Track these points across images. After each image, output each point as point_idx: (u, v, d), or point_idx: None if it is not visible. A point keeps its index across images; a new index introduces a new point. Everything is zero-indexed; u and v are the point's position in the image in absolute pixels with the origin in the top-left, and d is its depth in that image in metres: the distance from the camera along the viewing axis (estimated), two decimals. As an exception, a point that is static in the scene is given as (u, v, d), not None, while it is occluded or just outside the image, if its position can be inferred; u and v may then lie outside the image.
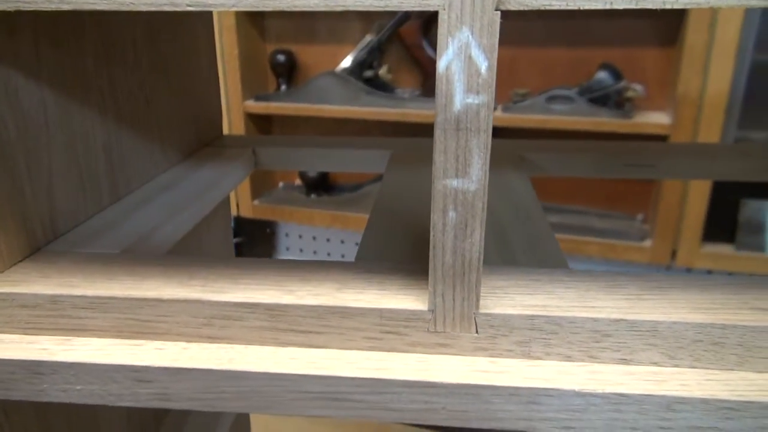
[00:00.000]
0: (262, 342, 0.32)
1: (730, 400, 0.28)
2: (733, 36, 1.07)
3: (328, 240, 1.65)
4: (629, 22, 1.23)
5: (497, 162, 0.56)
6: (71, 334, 0.33)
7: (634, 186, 1.35)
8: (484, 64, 0.26)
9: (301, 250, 1.69)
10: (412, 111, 1.32)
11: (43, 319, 0.33)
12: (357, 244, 1.50)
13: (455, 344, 0.31)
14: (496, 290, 0.32)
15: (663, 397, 0.28)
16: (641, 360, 0.30)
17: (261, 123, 1.51)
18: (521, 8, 0.25)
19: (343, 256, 1.65)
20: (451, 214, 0.28)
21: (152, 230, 0.43)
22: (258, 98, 1.43)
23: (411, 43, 1.32)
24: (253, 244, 1.68)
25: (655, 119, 1.21)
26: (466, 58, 0.26)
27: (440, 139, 0.27)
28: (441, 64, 0.26)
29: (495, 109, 1.30)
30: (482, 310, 0.30)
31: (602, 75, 1.22)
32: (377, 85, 1.36)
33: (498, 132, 1.36)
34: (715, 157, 0.61)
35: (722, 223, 1.23)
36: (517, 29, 1.30)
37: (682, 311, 0.30)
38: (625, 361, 0.30)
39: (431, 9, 0.25)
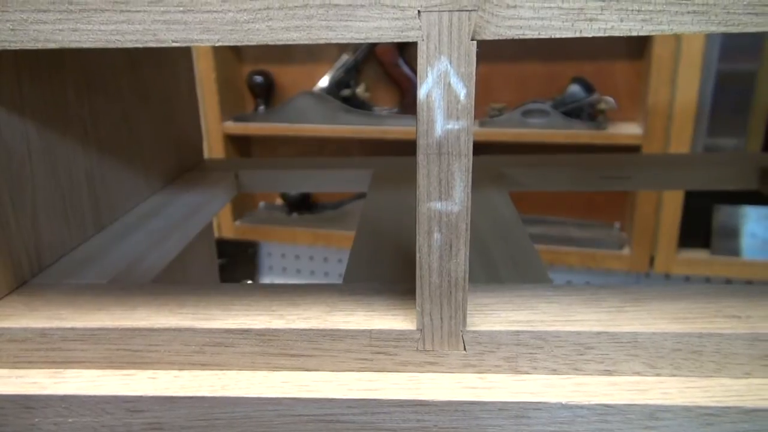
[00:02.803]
0: (254, 367, 0.32)
1: (710, 406, 0.29)
2: (699, 47, 1.10)
3: (311, 258, 1.65)
4: (599, 36, 1.26)
5: (477, 178, 0.57)
6: (62, 367, 0.33)
7: (610, 195, 1.38)
8: (462, 91, 0.27)
9: (284, 269, 1.69)
10: (391, 128, 1.33)
11: (33, 353, 0.33)
12: (340, 261, 1.49)
13: (444, 362, 0.32)
14: (482, 307, 0.33)
15: (646, 406, 0.29)
16: (624, 371, 0.31)
17: (240, 144, 1.51)
18: (496, 38, 0.26)
19: (326, 273, 1.65)
20: (436, 235, 0.29)
21: (138, 259, 0.43)
22: (237, 119, 1.43)
23: (387, 61, 1.34)
24: (235, 265, 1.67)
25: (628, 130, 1.24)
26: (445, 86, 0.27)
27: (423, 164, 0.28)
28: (421, 92, 0.27)
29: (472, 124, 1.32)
30: (469, 328, 0.31)
31: (574, 88, 1.25)
32: (355, 104, 1.38)
33: (476, 147, 1.37)
34: (688, 166, 0.63)
35: (697, 229, 1.26)
36: (491, 45, 1.32)
37: (661, 322, 0.31)
38: (608, 372, 0.31)
39: (410, 40, 0.26)
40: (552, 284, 0.36)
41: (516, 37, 0.26)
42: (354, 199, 1.50)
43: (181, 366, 0.33)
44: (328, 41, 0.27)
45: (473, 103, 0.27)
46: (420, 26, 0.26)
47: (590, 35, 0.26)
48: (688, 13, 0.25)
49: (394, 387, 0.31)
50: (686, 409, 0.29)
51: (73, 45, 0.27)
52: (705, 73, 1.13)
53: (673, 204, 1.22)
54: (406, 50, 1.34)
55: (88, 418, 0.31)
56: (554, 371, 0.31)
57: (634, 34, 0.26)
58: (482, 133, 1.29)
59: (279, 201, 1.56)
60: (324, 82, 1.38)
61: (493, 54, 1.33)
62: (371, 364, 0.32)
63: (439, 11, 0.26)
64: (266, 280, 1.69)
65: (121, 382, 0.32)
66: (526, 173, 0.62)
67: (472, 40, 0.26)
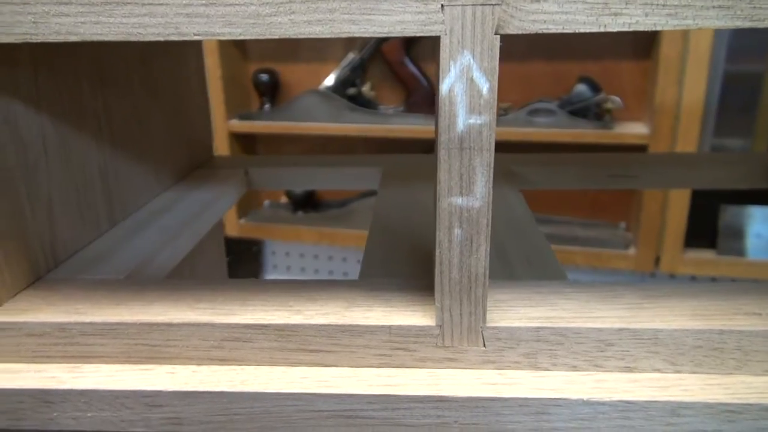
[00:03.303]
0: (272, 363, 0.32)
1: (732, 403, 0.29)
2: (706, 47, 1.10)
3: (315, 256, 1.65)
4: (606, 35, 1.26)
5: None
6: (80, 361, 0.33)
7: (615, 195, 1.38)
8: (485, 85, 0.27)
9: (288, 268, 1.69)
10: (397, 127, 1.33)
11: (51, 347, 0.33)
12: (345, 259, 1.50)
13: (463, 358, 0.32)
14: (500, 303, 0.33)
15: (668, 402, 0.29)
16: (644, 367, 0.31)
17: (245, 142, 1.51)
18: (519, 32, 0.26)
19: (331, 272, 1.65)
20: (457, 231, 0.29)
21: (152, 255, 0.43)
22: (242, 117, 1.43)
23: (393, 60, 1.34)
24: (239, 264, 1.67)
25: (634, 130, 1.24)
26: (467, 80, 0.27)
27: (444, 159, 0.28)
28: (443, 87, 0.27)
29: (478, 123, 1.32)
30: (489, 324, 0.31)
31: (581, 88, 1.25)
32: (361, 103, 1.38)
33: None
34: (697, 166, 0.63)
35: (703, 229, 1.26)
36: (497, 45, 1.32)
37: (681, 319, 0.31)
38: (628, 369, 0.31)
39: (433, 34, 0.26)
40: (569, 281, 0.36)
41: (539, 32, 0.26)
42: (359, 198, 1.50)
43: (200, 361, 0.33)
44: (350, 35, 0.26)
45: (496, 97, 0.27)
46: (443, 20, 0.26)
47: (614, 30, 0.26)
48: (714, 7, 0.25)
49: (413, 383, 0.31)
50: (708, 406, 0.29)
51: (95, 38, 0.27)
52: (712, 74, 1.13)
53: (679, 204, 1.21)
54: (413, 49, 1.34)
55: (107, 413, 0.31)
56: (574, 368, 0.31)
57: (658, 28, 0.25)
58: (488, 132, 1.29)
59: (284, 199, 1.56)
60: (330, 80, 1.37)
61: (501, 53, 1.32)
62: (390, 359, 0.32)
63: (462, 5, 0.26)
64: (270, 278, 1.69)
65: (139, 376, 0.32)
66: (536, 171, 0.62)
67: (496, 34, 0.26)
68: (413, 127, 1.33)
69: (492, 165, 0.28)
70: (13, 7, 0.27)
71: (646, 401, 0.29)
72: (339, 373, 0.32)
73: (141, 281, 0.37)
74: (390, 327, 0.31)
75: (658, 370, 0.31)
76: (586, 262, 1.31)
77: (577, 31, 0.26)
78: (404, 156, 0.70)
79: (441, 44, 0.26)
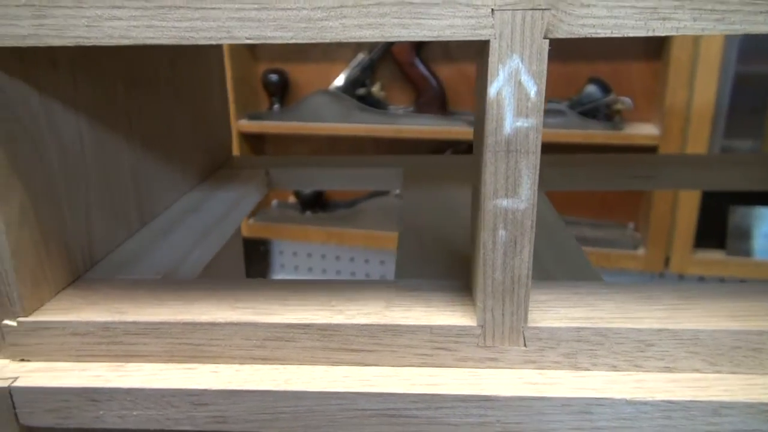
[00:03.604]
0: (314, 362, 0.33)
1: (772, 402, 0.29)
2: (717, 49, 1.10)
3: (323, 256, 1.66)
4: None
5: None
6: (123, 360, 0.33)
7: (624, 196, 1.38)
8: (533, 89, 0.27)
9: (296, 268, 1.69)
10: (407, 127, 1.34)
11: (95, 346, 0.33)
12: (352, 259, 1.50)
13: (504, 358, 0.32)
14: (539, 304, 0.33)
15: (709, 402, 0.29)
16: (684, 368, 0.31)
17: (254, 142, 1.51)
18: (568, 36, 0.26)
19: (338, 272, 1.66)
20: (501, 232, 0.29)
21: (184, 255, 0.43)
22: (251, 117, 1.44)
23: (404, 60, 1.34)
24: (247, 263, 1.67)
25: (644, 131, 1.24)
26: (516, 84, 0.27)
27: (491, 161, 0.28)
28: (491, 90, 0.27)
29: (487, 123, 1.32)
30: (530, 324, 0.31)
31: (591, 89, 1.26)
32: (370, 103, 1.38)
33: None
34: (710, 166, 0.63)
35: (713, 229, 1.26)
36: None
37: (720, 319, 0.31)
38: (668, 369, 0.31)
39: (482, 39, 0.27)
40: (603, 282, 0.36)
41: (588, 36, 0.26)
42: (367, 198, 1.50)
43: (242, 360, 0.33)
44: (399, 39, 0.27)
45: (543, 100, 0.27)
46: (493, 24, 0.26)
47: (662, 34, 0.26)
48: (762, 13, 0.25)
49: (455, 382, 0.31)
50: (749, 406, 0.29)
51: (147, 41, 0.27)
52: (723, 75, 1.13)
53: (689, 205, 1.22)
54: (423, 50, 1.34)
55: (153, 411, 0.31)
56: (614, 368, 0.32)
57: (706, 33, 0.26)
58: (498, 132, 1.29)
59: (292, 199, 1.56)
60: (340, 80, 1.38)
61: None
62: (431, 359, 0.32)
63: (512, 10, 0.26)
64: (278, 278, 1.69)
65: (183, 375, 0.32)
66: (554, 173, 0.62)
67: (545, 38, 0.26)
68: (423, 127, 1.33)
69: (538, 167, 0.28)
70: (66, 11, 0.27)
71: (688, 401, 0.29)
72: (380, 372, 0.32)
73: (178, 281, 0.38)
74: (431, 327, 0.32)
75: (698, 370, 0.31)
76: (595, 263, 1.31)
77: (625, 35, 0.26)
78: (424, 157, 0.70)
79: (490, 48, 0.26)
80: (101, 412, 0.32)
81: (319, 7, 0.26)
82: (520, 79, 0.27)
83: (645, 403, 0.30)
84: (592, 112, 1.25)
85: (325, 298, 0.34)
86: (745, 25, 0.25)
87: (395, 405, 0.31)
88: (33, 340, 0.33)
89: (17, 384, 0.32)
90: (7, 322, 0.33)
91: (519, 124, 0.28)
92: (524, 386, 0.31)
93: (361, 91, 1.37)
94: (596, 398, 0.30)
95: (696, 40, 1.11)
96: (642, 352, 0.31)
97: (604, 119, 1.24)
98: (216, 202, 0.54)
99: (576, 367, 0.32)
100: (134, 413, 0.31)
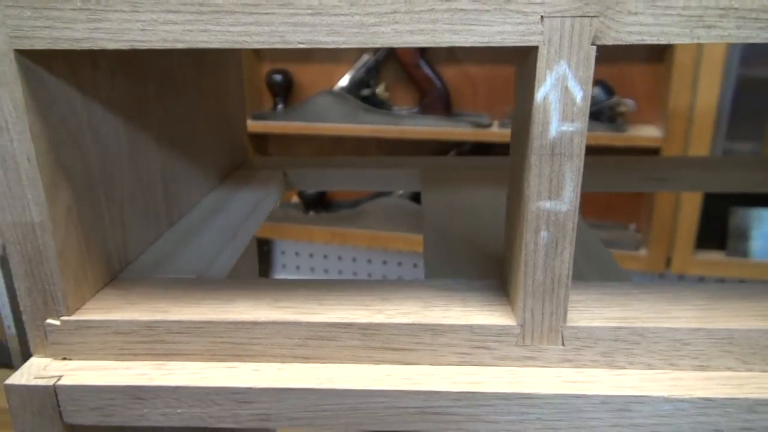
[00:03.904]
0: (355, 360, 0.33)
1: (806, 400, 0.30)
2: (720, 53, 1.12)
3: (325, 257, 1.66)
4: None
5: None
6: (165, 359, 0.34)
7: (626, 197, 1.39)
8: (579, 94, 0.28)
9: (297, 267, 1.69)
10: (411, 128, 1.34)
11: (137, 345, 0.33)
12: (355, 260, 1.50)
13: (542, 357, 0.33)
14: (575, 304, 0.34)
15: (745, 399, 0.30)
16: (717, 366, 0.32)
17: (257, 142, 1.51)
18: (615, 43, 0.27)
19: (340, 272, 1.66)
20: (543, 233, 0.30)
21: (215, 255, 0.43)
22: (255, 117, 1.44)
23: (408, 62, 1.35)
24: (249, 263, 1.68)
25: (647, 133, 1.26)
26: (562, 89, 0.28)
27: (535, 164, 0.29)
28: (538, 95, 0.28)
29: (491, 125, 1.33)
30: (569, 324, 0.32)
31: (595, 91, 1.27)
32: (374, 104, 1.39)
33: (495, 147, 1.39)
34: (718, 168, 0.64)
35: (713, 231, 1.27)
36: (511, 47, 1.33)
37: (754, 319, 0.32)
38: (702, 368, 0.32)
39: (531, 45, 0.27)
40: (633, 282, 0.37)
41: (635, 43, 0.27)
42: (370, 199, 1.50)
43: (283, 359, 0.33)
44: (450, 44, 0.27)
45: (588, 105, 0.28)
46: (542, 31, 0.27)
47: (707, 42, 0.27)
48: (803, 21, 0.26)
49: (495, 380, 0.32)
50: (783, 403, 0.30)
51: (200, 45, 0.28)
52: (725, 78, 1.15)
53: (691, 206, 1.23)
54: (427, 51, 1.35)
55: (197, 409, 0.32)
56: (650, 366, 0.32)
57: (749, 41, 0.27)
58: (502, 134, 1.30)
59: (295, 199, 1.57)
60: (344, 81, 1.38)
61: (513, 56, 1.34)
62: (470, 358, 0.33)
63: (561, 17, 0.27)
64: (281, 278, 1.70)
65: (226, 374, 0.33)
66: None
67: (592, 45, 0.27)
68: (427, 128, 1.34)
69: (581, 171, 0.29)
70: (122, 15, 0.27)
71: (724, 398, 0.30)
72: (421, 370, 0.33)
73: (214, 281, 0.38)
74: (472, 326, 0.32)
75: (730, 369, 0.32)
76: (597, 263, 1.32)
77: (670, 42, 0.27)
78: (439, 158, 0.71)
79: (538, 54, 0.27)
80: (145, 410, 0.32)
81: (371, 13, 0.27)
82: (567, 85, 0.28)
83: (682, 400, 0.30)
84: (595, 114, 1.26)
85: (361, 298, 0.35)
86: (787, 33, 0.26)
87: (438, 403, 0.31)
88: (76, 339, 0.33)
89: (62, 382, 0.32)
90: (50, 321, 0.33)
91: (564, 128, 0.28)
92: (563, 384, 0.31)
93: (366, 91, 1.38)
94: (635, 396, 0.31)
95: (699, 43, 1.13)
96: (677, 351, 0.32)
97: (607, 121, 1.26)
98: (239, 202, 0.54)
99: (613, 366, 0.33)
100: (178, 411, 0.32)
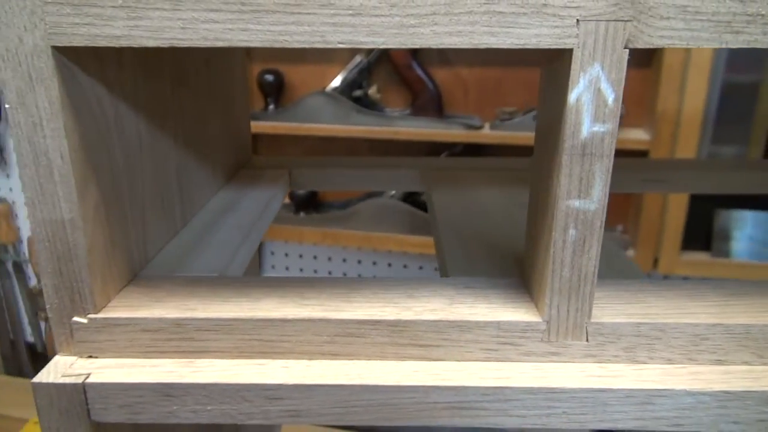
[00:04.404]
0: (383, 357, 0.34)
1: (820, 392, 0.31)
2: (707, 58, 1.14)
3: (315, 257, 1.66)
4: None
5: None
6: (193, 356, 0.34)
7: (613, 199, 1.41)
8: (611, 96, 0.29)
9: (287, 268, 1.69)
10: (403, 129, 1.35)
11: (165, 343, 0.33)
12: (345, 260, 1.50)
13: (566, 352, 0.33)
14: (597, 301, 0.35)
15: (763, 392, 0.31)
16: (734, 360, 0.33)
17: (248, 142, 1.51)
18: (647, 47, 0.28)
19: (330, 272, 1.66)
20: (572, 231, 0.31)
21: (233, 253, 0.43)
22: (246, 117, 1.43)
23: (401, 63, 1.35)
24: (237, 264, 1.67)
25: (635, 136, 1.28)
26: (595, 90, 0.28)
27: (566, 164, 0.30)
28: (572, 96, 0.29)
29: (482, 127, 1.35)
30: (593, 320, 0.33)
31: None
32: (366, 105, 1.39)
33: (486, 149, 1.40)
34: (711, 171, 0.66)
35: (699, 232, 1.30)
36: (503, 50, 1.35)
37: (769, 314, 0.33)
38: (720, 362, 0.33)
39: (566, 47, 0.28)
40: (648, 279, 0.38)
41: (666, 46, 0.28)
42: (361, 199, 1.51)
43: (311, 355, 0.34)
44: (488, 46, 0.28)
45: (620, 107, 0.29)
46: (577, 34, 0.28)
47: (734, 47, 0.28)
48: (824, 28, 0.27)
49: (522, 375, 0.32)
50: (798, 395, 0.31)
51: (240, 44, 0.28)
52: (712, 83, 1.17)
53: (678, 208, 1.26)
54: (419, 53, 1.36)
55: (227, 406, 0.32)
56: (669, 361, 0.33)
57: (775, 46, 0.28)
58: (493, 136, 1.31)
59: (286, 199, 1.56)
60: (336, 82, 1.38)
61: (504, 59, 1.35)
62: (496, 354, 0.34)
63: (596, 20, 0.27)
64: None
65: (255, 370, 0.33)
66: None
67: (625, 48, 0.28)
68: (419, 129, 1.35)
69: (610, 171, 0.30)
70: (162, 12, 0.28)
71: (743, 391, 0.31)
72: (448, 366, 0.33)
73: (237, 279, 0.38)
74: (499, 323, 0.33)
75: (746, 363, 0.33)
76: (586, 264, 1.34)
77: (699, 47, 0.28)
78: (440, 159, 0.71)
79: (573, 56, 0.28)
80: (175, 407, 0.32)
81: (411, 15, 0.28)
82: (600, 87, 0.28)
83: (704, 393, 0.31)
84: (585, 116, 1.28)
85: (388, 295, 0.35)
86: (810, 40, 0.27)
87: (467, 398, 0.32)
88: (103, 337, 0.33)
89: (91, 380, 0.32)
90: (77, 319, 0.33)
91: (596, 128, 0.29)
92: (588, 379, 0.32)
93: (358, 92, 1.38)
94: (658, 389, 0.31)
95: (687, 48, 1.15)
96: (696, 345, 0.33)
97: (597, 124, 1.28)
98: (250, 201, 0.54)
99: (634, 361, 0.33)
100: (208, 408, 0.32)
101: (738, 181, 0.65)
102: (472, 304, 0.34)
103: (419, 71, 1.35)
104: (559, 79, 0.30)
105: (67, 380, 0.32)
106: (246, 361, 0.34)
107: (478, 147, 1.38)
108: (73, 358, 0.34)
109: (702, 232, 1.32)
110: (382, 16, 0.28)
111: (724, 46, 0.28)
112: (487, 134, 1.33)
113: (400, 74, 1.37)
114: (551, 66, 0.31)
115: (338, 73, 1.40)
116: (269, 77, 1.43)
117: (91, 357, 0.34)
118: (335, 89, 1.38)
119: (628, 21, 0.27)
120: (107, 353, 0.34)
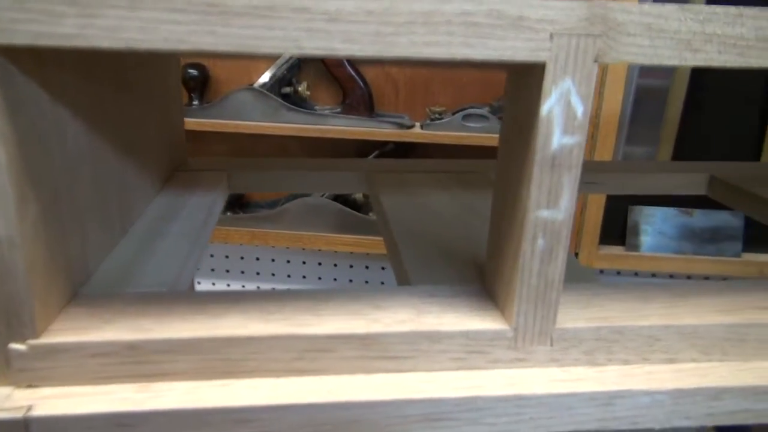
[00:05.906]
0: (352, 371, 0.33)
1: (760, 385, 0.34)
2: (624, 64, 1.21)
3: (242, 258, 1.61)
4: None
5: (473, 180, 0.60)
6: (148, 380, 0.31)
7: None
8: (580, 108, 0.29)
9: (212, 270, 1.63)
10: (333, 128, 1.34)
11: (117, 367, 0.31)
12: (273, 260, 1.47)
13: (531, 358, 0.34)
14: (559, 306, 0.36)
15: (710, 388, 0.33)
16: (684, 358, 0.35)
17: (169, 139, 1.44)
18: (615, 62, 0.29)
19: (258, 273, 1.62)
20: (540, 241, 0.31)
21: (181, 265, 0.41)
22: (168, 113, 1.36)
23: (331, 61, 1.34)
24: (159, 266, 1.59)
25: (557, 136, 1.34)
26: (565, 103, 0.29)
27: (537, 175, 0.30)
28: (543, 109, 0.29)
29: (413, 126, 1.36)
30: (557, 326, 0.34)
31: (510, 95, 1.33)
32: (295, 102, 1.36)
33: (416, 148, 1.42)
34: (649, 173, 0.70)
35: (615, 227, 1.38)
36: (431, 50, 1.36)
37: (713, 314, 0.35)
38: (671, 361, 0.35)
39: (539, 60, 0.28)
40: (600, 282, 0.39)
41: (631, 62, 0.29)
42: (289, 199, 1.48)
43: (278, 373, 0.32)
44: (464, 58, 0.28)
45: (588, 119, 0.29)
46: (550, 48, 0.28)
47: (692, 65, 0.29)
48: (769, 49, 0.29)
49: (492, 384, 0.33)
50: (742, 390, 0.34)
51: (205, 48, 0.26)
52: (627, 87, 1.25)
53: (595, 205, 1.33)
54: (350, 51, 1.35)
55: (190, 432, 0.30)
56: (626, 362, 0.35)
57: (728, 66, 0.29)
58: (424, 134, 1.33)
59: (211, 199, 1.50)
60: (265, 78, 1.35)
61: (433, 59, 1.37)
62: (465, 362, 0.34)
63: (569, 35, 0.28)
64: (195, 279, 1.62)
65: (220, 392, 0.31)
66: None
67: (595, 62, 0.29)
68: (351, 128, 1.34)
69: (578, 181, 0.31)
70: (120, 11, 0.25)
71: (693, 388, 0.33)
72: (419, 378, 0.33)
73: (191, 294, 0.36)
74: (468, 332, 0.33)
75: (694, 360, 0.35)
76: (512, 260, 1.39)
77: (661, 64, 0.29)
78: (381, 160, 0.71)
79: (546, 70, 0.28)
80: (133, 437, 0.30)
81: (389, 23, 0.27)
82: (570, 100, 0.29)
83: (659, 392, 0.33)
84: (510, 117, 1.32)
85: (355, 306, 0.35)
86: (760, 60, 0.29)
87: (440, 409, 0.32)
88: (45, 364, 0.30)
89: (34, 413, 0.29)
90: (14, 346, 0.30)
91: (565, 141, 0.30)
92: (553, 384, 0.33)
93: (287, 89, 1.35)
94: (618, 390, 0.33)
95: (604, 54, 1.21)
96: (650, 346, 0.35)
97: (522, 125, 1.32)
98: (191, 207, 0.52)
99: (593, 364, 0.35)
100: (170, 435, 0.30)
101: (656, 181, 0.69)
102: (439, 314, 0.34)
103: (350, 69, 1.34)
104: (530, 91, 0.30)
105: (6, 415, 0.29)
106: (209, 383, 0.32)
107: (408, 146, 1.39)
108: (9, 389, 0.30)
109: (617, 227, 1.40)
110: (359, 22, 0.27)
111: (683, 63, 0.29)
112: (419, 133, 1.34)
113: (331, 72, 1.36)
114: (521, 78, 0.31)
115: (266, 69, 1.36)
116: (193, 72, 1.37)
117: (30, 386, 0.31)
118: (263, 85, 1.35)
119: (598, 36, 0.28)
120: (50, 382, 0.31)
